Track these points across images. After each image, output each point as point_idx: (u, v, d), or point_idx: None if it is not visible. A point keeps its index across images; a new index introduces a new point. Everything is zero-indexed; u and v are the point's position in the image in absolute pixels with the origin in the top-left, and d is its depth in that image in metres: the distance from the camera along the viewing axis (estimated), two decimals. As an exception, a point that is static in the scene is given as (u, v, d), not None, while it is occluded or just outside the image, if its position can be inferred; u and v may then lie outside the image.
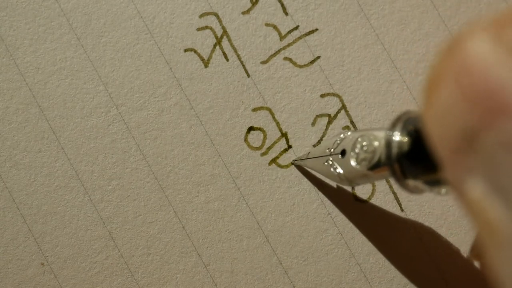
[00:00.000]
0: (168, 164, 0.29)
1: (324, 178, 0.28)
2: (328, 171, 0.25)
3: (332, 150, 0.25)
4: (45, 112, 0.28)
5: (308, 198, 0.28)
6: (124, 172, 0.28)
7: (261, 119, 0.29)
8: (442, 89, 0.15)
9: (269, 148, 0.29)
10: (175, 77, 0.29)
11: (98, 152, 0.28)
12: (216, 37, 0.29)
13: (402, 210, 0.28)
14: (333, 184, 0.28)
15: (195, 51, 0.29)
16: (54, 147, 0.28)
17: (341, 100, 0.29)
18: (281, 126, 0.29)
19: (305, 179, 0.28)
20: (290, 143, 0.29)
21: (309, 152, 0.28)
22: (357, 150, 0.23)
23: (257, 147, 0.29)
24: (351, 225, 0.28)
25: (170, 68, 0.29)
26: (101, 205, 0.28)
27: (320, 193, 0.28)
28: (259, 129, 0.29)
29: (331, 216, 0.28)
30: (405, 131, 0.20)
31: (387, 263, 0.28)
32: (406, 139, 0.20)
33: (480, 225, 0.15)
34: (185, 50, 0.29)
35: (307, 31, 0.29)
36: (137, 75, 0.29)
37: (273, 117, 0.29)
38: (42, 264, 0.28)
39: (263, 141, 0.29)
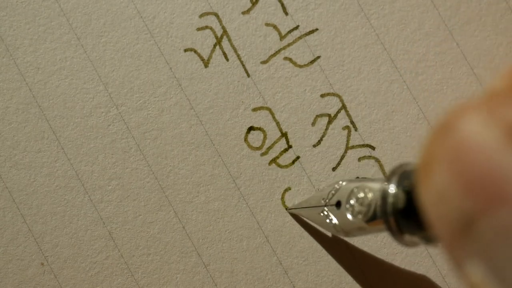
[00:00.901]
0: (168, 164, 0.29)
1: (320, 228, 0.28)
2: (324, 221, 0.25)
3: (327, 200, 0.25)
4: (45, 112, 0.28)
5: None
6: (124, 172, 0.28)
7: (261, 119, 0.29)
8: (436, 172, 0.15)
9: (269, 148, 0.29)
10: (175, 77, 0.29)
11: (98, 152, 0.28)
12: (216, 37, 0.29)
13: None
14: (329, 234, 0.28)
15: (195, 51, 0.29)
16: (54, 147, 0.28)
17: (341, 100, 0.29)
18: (281, 126, 0.29)
19: (305, 179, 0.28)
20: (290, 143, 0.29)
21: (306, 199, 0.27)
22: (352, 202, 0.23)
23: (257, 147, 0.29)
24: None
25: (170, 68, 0.29)
26: (101, 205, 0.28)
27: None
28: (259, 129, 0.29)
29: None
30: (400, 186, 0.20)
31: (386, 263, 0.28)
32: (401, 194, 0.20)
33: None
34: (185, 50, 0.29)
35: (307, 31, 0.29)
36: (137, 75, 0.29)
37: (273, 117, 0.29)
38: (42, 264, 0.28)
39: (263, 141, 0.29)
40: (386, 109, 0.29)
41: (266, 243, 0.28)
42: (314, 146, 0.29)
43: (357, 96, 0.29)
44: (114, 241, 0.28)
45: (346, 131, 0.29)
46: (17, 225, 0.28)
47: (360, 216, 0.22)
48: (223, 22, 0.29)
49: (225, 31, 0.29)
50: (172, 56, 0.29)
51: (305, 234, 0.28)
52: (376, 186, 0.21)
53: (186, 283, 0.28)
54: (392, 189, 0.20)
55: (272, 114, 0.29)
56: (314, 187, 0.28)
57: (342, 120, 0.29)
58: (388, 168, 0.29)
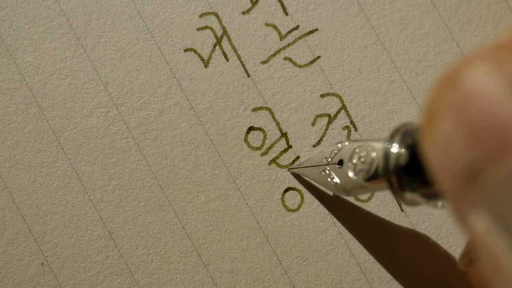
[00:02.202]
0: (168, 164, 0.29)
1: (321, 187, 0.28)
2: (325, 180, 0.25)
3: (329, 159, 0.25)
4: (45, 112, 0.28)
5: (308, 197, 0.28)
6: (124, 172, 0.28)
7: (261, 119, 0.29)
8: (443, 121, 0.15)
9: (269, 148, 0.29)
10: (175, 77, 0.29)
11: (98, 152, 0.28)
12: (216, 37, 0.29)
13: (402, 211, 0.28)
14: (330, 193, 0.28)
15: (195, 51, 0.29)
16: (54, 147, 0.28)
17: (341, 100, 0.29)
18: (281, 126, 0.29)
19: (305, 179, 0.28)
20: (290, 143, 0.29)
21: (308, 159, 0.28)
22: (354, 161, 0.23)
23: (257, 147, 0.29)
24: (351, 225, 0.28)
25: (170, 68, 0.29)
26: (101, 205, 0.28)
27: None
28: (259, 129, 0.29)
29: (331, 216, 0.28)
30: (403, 143, 0.20)
31: (387, 263, 0.28)
32: (404, 151, 0.20)
33: (485, 258, 0.15)
34: (185, 50, 0.29)
35: (307, 31, 0.29)
36: (137, 75, 0.29)
37: (273, 117, 0.29)
38: (42, 264, 0.28)
39: (263, 141, 0.29)
40: (386, 109, 0.29)
41: (266, 243, 0.28)
42: (314, 146, 0.29)
43: (357, 96, 0.29)
44: (114, 241, 0.28)
45: (346, 131, 0.29)
46: (17, 225, 0.28)
47: (362, 174, 0.23)
48: (223, 22, 0.29)
49: (225, 31, 0.29)
50: (172, 56, 0.29)
51: (305, 233, 0.28)
52: (379, 145, 0.22)
53: (186, 283, 0.28)
54: (394, 147, 0.20)
55: (272, 114, 0.29)
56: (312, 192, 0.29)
57: (342, 120, 0.29)
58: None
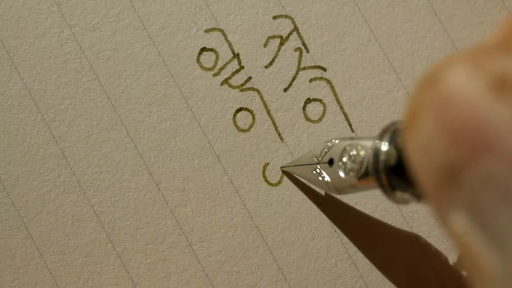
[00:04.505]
0: (120, 84, 0.29)
1: (313, 186, 0.28)
2: (316, 179, 0.25)
3: (319, 158, 0.25)
4: (-3, 30, 0.29)
5: (259, 118, 0.29)
6: (77, 92, 0.29)
7: (213, 40, 0.29)
8: (423, 122, 0.15)
9: (221, 68, 0.29)
10: (128, -3, 0.29)
11: (51, 71, 0.29)
12: (169, -43, 0.29)
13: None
14: (322, 192, 0.28)
15: (148, -28, 0.29)
16: (8, 66, 0.29)
17: (293, 22, 0.29)
18: (233, 47, 0.29)
19: (257, 99, 0.29)
20: (242, 64, 0.29)
21: (299, 157, 0.28)
22: (344, 160, 0.23)
23: (209, 68, 0.29)
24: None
25: (123, -11, 0.29)
26: (53, 124, 0.28)
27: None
28: (211, 50, 0.29)
29: (280, 137, 0.28)
30: (393, 142, 0.20)
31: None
32: (393, 150, 0.20)
33: (465, 257, 0.15)
34: (138, -29, 0.29)
35: (260, -48, 0.29)
36: (90, -4, 0.29)
37: (226, 38, 0.29)
38: (-7, 178, 0.28)
39: (215, 62, 0.29)
40: (337, 31, 0.29)
41: (218, 163, 0.28)
42: (266, 67, 0.29)
43: (309, 18, 0.29)
44: (66, 159, 0.28)
45: (298, 53, 0.29)
46: (-32, 141, 0.28)
47: (352, 173, 0.23)
48: None
49: (178, -48, 0.29)
50: (125, -23, 0.29)
51: (256, 153, 0.29)
52: (369, 143, 0.22)
53: (138, 201, 0.28)
54: (384, 146, 0.20)
55: (225, 35, 0.29)
56: (265, 107, 0.29)
57: (294, 41, 0.29)
58: (339, 89, 0.29)
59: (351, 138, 0.24)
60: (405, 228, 0.28)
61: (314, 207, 0.28)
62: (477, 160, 0.14)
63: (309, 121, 0.29)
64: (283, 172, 0.28)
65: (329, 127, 0.29)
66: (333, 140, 0.25)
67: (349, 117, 0.29)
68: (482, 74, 0.14)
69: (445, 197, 0.15)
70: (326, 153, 0.25)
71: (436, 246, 0.28)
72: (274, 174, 0.28)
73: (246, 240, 0.28)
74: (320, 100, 0.29)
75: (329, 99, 0.29)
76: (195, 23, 0.29)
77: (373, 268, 0.28)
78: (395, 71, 0.29)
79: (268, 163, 0.28)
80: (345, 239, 0.28)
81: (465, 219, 0.14)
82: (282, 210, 0.28)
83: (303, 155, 0.27)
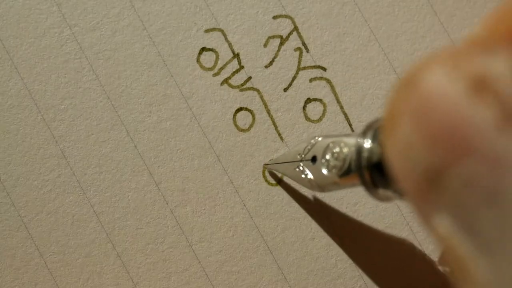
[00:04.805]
0: (120, 84, 0.29)
1: (296, 184, 0.28)
2: (299, 177, 0.25)
3: (303, 155, 0.25)
4: (-3, 30, 0.29)
5: (259, 118, 0.29)
6: (77, 92, 0.29)
7: (213, 40, 0.29)
8: (401, 125, 0.15)
9: (221, 68, 0.29)
10: (128, -3, 0.29)
11: (51, 71, 0.29)
12: (169, -43, 0.29)
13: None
14: (309, 196, 0.28)
15: (148, -28, 0.29)
16: (8, 66, 0.29)
17: (293, 22, 0.29)
18: (233, 47, 0.29)
19: (257, 99, 0.29)
20: (242, 64, 0.29)
21: (282, 155, 0.28)
22: (327, 157, 0.23)
23: (209, 68, 0.29)
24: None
25: (123, -11, 0.29)
26: (53, 124, 0.28)
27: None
28: (211, 50, 0.29)
29: (280, 137, 0.28)
30: (376, 139, 0.20)
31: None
32: (376, 147, 0.20)
33: (450, 259, 0.15)
34: (138, -29, 0.29)
35: (260, -48, 0.29)
36: (90, -4, 0.29)
37: (226, 38, 0.29)
38: (-7, 178, 0.28)
39: (215, 62, 0.29)
40: (337, 31, 0.29)
41: (217, 162, 0.28)
42: (266, 67, 0.29)
43: (309, 18, 0.29)
44: (66, 159, 0.28)
45: (297, 53, 0.29)
46: (-32, 141, 0.28)
47: (335, 171, 0.22)
48: None
49: (178, -48, 0.29)
50: (125, -23, 0.29)
51: (256, 153, 0.29)
52: (352, 141, 0.21)
53: (138, 201, 0.28)
54: (367, 143, 0.20)
55: (225, 35, 0.29)
56: (265, 107, 0.29)
57: (294, 41, 0.29)
58: (339, 89, 0.29)
59: (335, 136, 0.24)
60: (405, 228, 0.28)
61: (314, 207, 0.28)
62: (458, 162, 0.14)
63: (309, 121, 0.29)
64: (267, 170, 0.28)
65: (329, 127, 0.29)
66: (316, 138, 0.25)
67: (349, 117, 0.29)
68: (461, 74, 0.14)
69: (427, 200, 0.15)
70: (309, 150, 0.25)
71: (436, 245, 0.28)
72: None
73: (246, 240, 0.28)
74: (320, 100, 0.29)
75: (329, 99, 0.29)
76: (195, 23, 0.29)
77: (373, 268, 0.28)
78: (395, 71, 0.29)
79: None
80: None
81: (449, 222, 0.14)
82: (282, 210, 0.28)
83: (286, 153, 0.27)
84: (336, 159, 0.22)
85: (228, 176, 0.28)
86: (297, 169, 0.25)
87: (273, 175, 0.28)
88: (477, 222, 0.14)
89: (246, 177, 0.28)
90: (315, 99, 0.29)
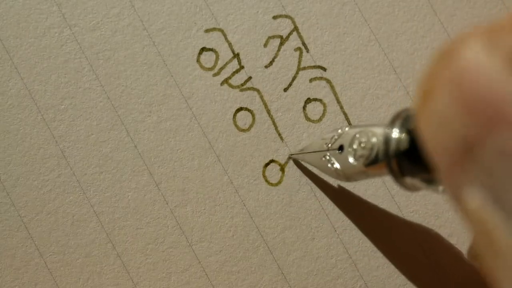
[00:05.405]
0: (120, 84, 0.29)
1: (321, 173, 0.28)
2: (326, 166, 0.25)
3: (329, 145, 0.25)
4: (-3, 30, 0.29)
5: (259, 118, 0.29)
6: (76, 92, 0.29)
7: (213, 40, 0.29)
8: (437, 97, 0.15)
9: (221, 68, 0.29)
10: (128, -3, 0.29)
11: (51, 71, 0.29)
12: (169, -43, 0.29)
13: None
14: (330, 179, 0.28)
15: (148, -28, 0.29)
16: (8, 66, 0.29)
17: (293, 22, 0.29)
18: (233, 47, 0.29)
19: (257, 99, 0.29)
20: (242, 64, 0.29)
21: (308, 144, 0.28)
22: (355, 146, 0.23)
23: (209, 68, 0.29)
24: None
25: (123, -11, 0.29)
26: (53, 124, 0.28)
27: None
28: (212, 50, 0.29)
29: (280, 137, 0.28)
30: (404, 128, 0.20)
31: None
32: (404, 136, 0.20)
33: (479, 234, 0.15)
34: (138, -29, 0.29)
35: (260, -48, 0.29)
36: (90, -4, 0.29)
37: (226, 38, 0.29)
38: (-7, 178, 0.28)
39: (215, 62, 0.29)
40: (337, 31, 0.29)
41: (218, 162, 0.28)
42: (266, 67, 0.29)
43: (309, 18, 0.29)
44: (66, 159, 0.28)
45: (298, 53, 0.29)
46: (-32, 141, 0.28)
47: (362, 160, 0.23)
48: None
49: (178, -48, 0.29)
50: (125, -23, 0.29)
51: (256, 153, 0.29)
52: (379, 130, 0.22)
53: (138, 201, 0.28)
54: (395, 132, 0.20)
55: (225, 35, 0.29)
56: (265, 107, 0.29)
57: (294, 41, 0.29)
58: (339, 89, 0.29)
59: (362, 125, 0.24)
60: (405, 228, 0.28)
61: (314, 207, 0.28)
62: (493, 133, 0.14)
63: (309, 121, 0.29)
64: (292, 159, 0.28)
65: (329, 127, 0.29)
66: (344, 128, 0.25)
67: (349, 117, 0.29)
68: (498, 49, 0.14)
69: (460, 172, 0.15)
70: (336, 140, 0.25)
71: (435, 245, 0.28)
72: (274, 174, 0.28)
73: (246, 240, 0.28)
74: (320, 100, 0.29)
75: (329, 99, 0.29)
76: (195, 23, 0.29)
77: (373, 268, 0.28)
78: (395, 71, 0.29)
79: (268, 163, 0.28)
80: (345, 239, 0.28)
81: (481, 195, 0.14)
82: (282, 210, 0.28)
83: (313, 142, 0.27)
84: (363, 148, 0.22)
85: (228, 176, 0.28)
86: (323, 159, 0.25)
87: (299, 165, 0.28)
88: (509, 195, 0.14)
89: (246, 177, 0.28)
90: (315, 99, 0.29)
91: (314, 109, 0.29)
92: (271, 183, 0.28)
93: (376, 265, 0.28)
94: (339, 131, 0.25)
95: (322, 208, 0.28)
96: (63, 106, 0.29)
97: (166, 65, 0.29)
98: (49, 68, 0.29)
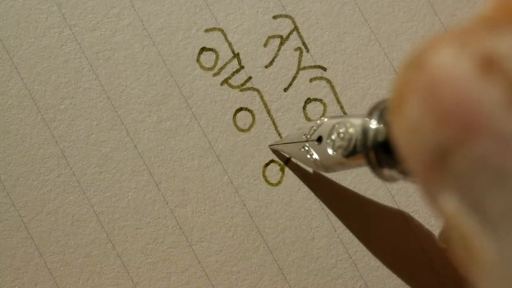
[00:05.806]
0: (120, 83, 0.29)
1: (301, 163, 0.28)
2: (305, 157, 0.25)
3: (308, 136, 0.25)
4: (-3, 30, 0.29)
5: (259, 118, 0.29)
6: (76, 92, 0.29)
7: (213, 40, 0.29)
8: (410, 104, 0.15)
9: (221, 68, 0.29)
10: (128, -3, 0.29)
11: (51, 71, 0.29)
12: (169, -43, 0.29)
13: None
14: (310, 170, 0.28)
15: (148, -28, 0.29)
16: (8, 66, 0.29)
17: (293, 22, 0.29)
18: (233, 47, 0.29)
19: (257, 99, 0.29)
20: (242, 64, 0.29)
21: (287, 135, 0.28)
22: (333, 137, 0.23)
23: (209, 68, 0.29)
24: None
25: (123, -11, 0.29)
26: (53, 124, 0.28)
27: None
28: (212, 49, 0.29)
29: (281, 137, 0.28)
30: (382, 120, 0.20)
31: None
32: (382, 128, 0.20)
33: (456, 238, 0.15)
34: (138, -29, 0.29)
35: (260, -48, 0.29)
36: (90, -5, 0.29)
37: (226, 38, 0.29)
38: (-7, 178, 0.28)
39: (215, 62, 0.29)
40: (337, 31, 0.29)
41: (218, 163, 0.28)
42: (266, 67, 0.29)
43: (309, 17, 0.29)
44: (66, 159, 0.28)
45: (298, 52, 0.29)
46: (-32, 141, 0.28)
47: (340, 151, 0.23)
48: None
49: (178, -48, 0.29)
50: (125, -23, 0.29)
51: (256, 154, 0.28)
52: (357, 121, 0.22)
53: (138, 201, 0.28)
54: (373, 123, 0.20)
55: (225, 35, 0.29)
56: (265, 107, 0.29)
57: (294, 41, 0.29)
58: (339, 89, 0.29)
59: (341, 116, 0.23)
60: (405, 228, 0.28)
61: (314, 207, 0.28)
62: (466, 141, 0.14)
63: (310, 120, 0.29)
64: (271, 149, 0.28)
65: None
66: (322, 118, 0.25)
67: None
68: (469, 54, 0.14)
69: (435, 179, 0.15)
70: (315, 130, 0.25)
71: (435, 245, 0.28)
72: (274, 174, 0.28)
73: (246, 240, 0.28)
74: (320, 100, 0.29)
75: (329, 99, 0.29)
76: (195, 23, 0.29)
77: (373, 268, 0.28)
78: (395, 71, 0.29)
79: (268, 163, 0.28)
80: (345, 239, 0.28)
81: (456, 201, 0.14)
82: (282, 210, 0.28)
83: (292, 133, 0.27)
84: (342, 139, 0.22)
85: (228, 176, 0.28)
86: (302, 149, 0.25)
87: (279, 155, 0.28)
88: (484, 201, 0.14)
89: (246, 177, 0.28)
90: (315, 99, 0.29)
91: (314, 109, 0.29)
92: (271, 183, 0.28)
93: (376, 265, 0.28)
94: (318, 121, 0.25)
95: (322, 208, 0.28)
96: (63, 106, 0.29)
97: (166, 65, 0.29)
98: (49, 68, 0.29)
